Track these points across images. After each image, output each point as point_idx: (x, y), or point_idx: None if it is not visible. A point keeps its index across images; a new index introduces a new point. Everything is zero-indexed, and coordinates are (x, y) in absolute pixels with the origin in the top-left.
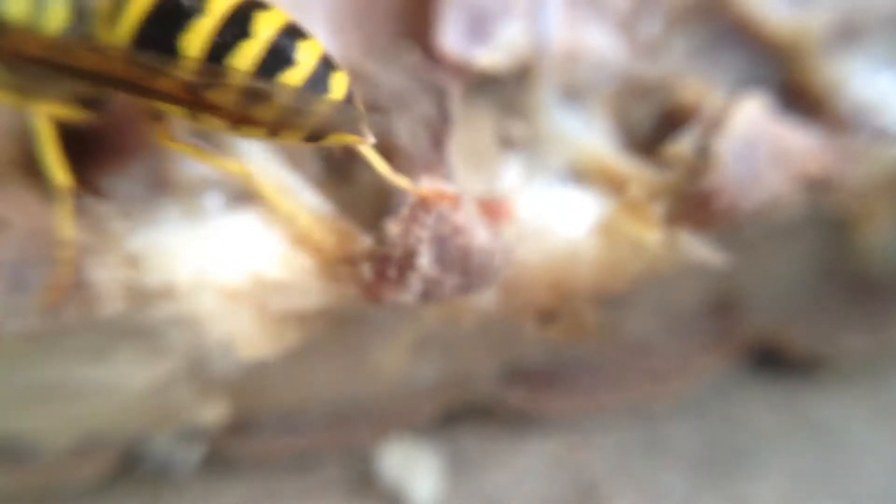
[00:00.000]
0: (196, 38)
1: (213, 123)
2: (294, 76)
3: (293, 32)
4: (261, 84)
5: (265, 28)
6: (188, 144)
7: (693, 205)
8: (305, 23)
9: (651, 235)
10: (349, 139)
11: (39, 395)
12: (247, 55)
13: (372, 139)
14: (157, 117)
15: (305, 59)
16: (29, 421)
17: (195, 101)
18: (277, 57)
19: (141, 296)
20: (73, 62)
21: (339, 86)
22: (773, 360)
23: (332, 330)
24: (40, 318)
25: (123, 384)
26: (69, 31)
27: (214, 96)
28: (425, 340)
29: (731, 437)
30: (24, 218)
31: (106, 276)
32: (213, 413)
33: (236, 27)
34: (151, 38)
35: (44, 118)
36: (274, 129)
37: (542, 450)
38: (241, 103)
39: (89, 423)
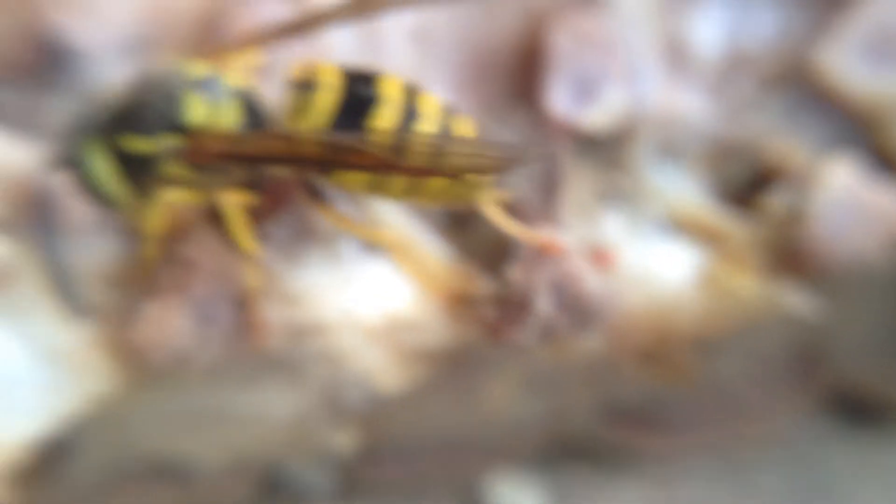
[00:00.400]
0: (382, 122)
1: (355, 186)
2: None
3: (450, 111)
4: (440, 139)
5: (429, 108)
6: (335, 211)
7: (785, 258)
8: (428, 83)
9: (747, 285)
10: (477, 198)
11: (198, 420)
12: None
13: (498, 195)
14: (312, 191)
15: (466, 132)
16: (188, 443)
17: (385, 167)
18: (444, 132)
19: (295, 332)
20: (254, 151)
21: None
22: (859, 409)
23: (451, 366)
24: (223, 351)
25: (269, 412)
26: (241, 129)
27: (403, 160)
28: (533, 378)
29: (817, 483)
30: (210, 260)
31: (272, 314)
32: (345, 441)
33: (409, 109)
34: (340, 126)
35: (232, 203)
36: (429, 174)
37: (637, 487)
38: (425, 160)
39: (238, 446)
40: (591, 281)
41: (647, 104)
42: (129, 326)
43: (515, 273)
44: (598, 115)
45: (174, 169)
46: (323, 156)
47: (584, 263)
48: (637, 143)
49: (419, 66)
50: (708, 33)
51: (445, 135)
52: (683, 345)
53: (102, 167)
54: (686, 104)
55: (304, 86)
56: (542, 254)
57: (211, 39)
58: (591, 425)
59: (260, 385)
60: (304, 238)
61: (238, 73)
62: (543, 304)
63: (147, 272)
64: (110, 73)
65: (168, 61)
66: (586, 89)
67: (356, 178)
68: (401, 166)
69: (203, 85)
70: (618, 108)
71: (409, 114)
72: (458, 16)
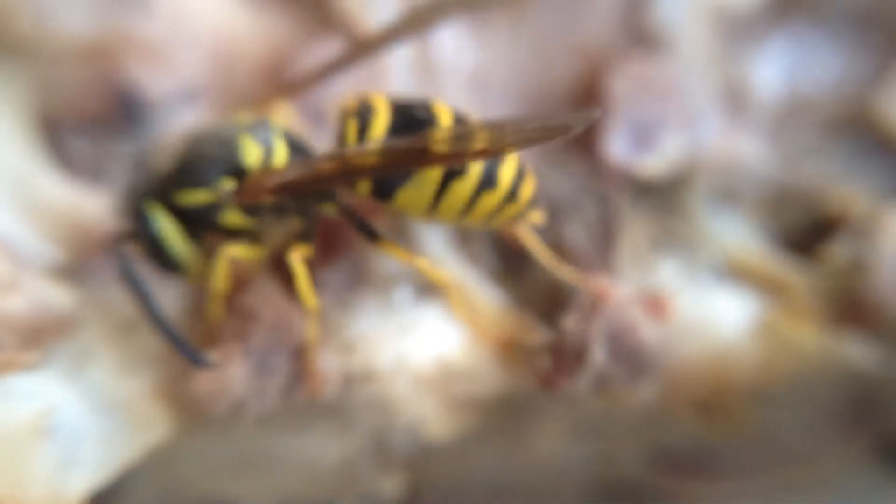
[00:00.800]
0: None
1: (413, 209)
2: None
3: None
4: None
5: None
6: (391, 245)
7: (846, 309)
8: None
9: (806, 336)
10: (526, 218)
11: (248, 464)
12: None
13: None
14: (366, 230)
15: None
16: (237, 486)
17: (449, 158)
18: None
19: (348, 379)
20: (310, 176)
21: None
22: None
23: (500, 413)
24: (279, 401)
25: (317, 457)
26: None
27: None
28: (581, 424)
29: None
30: (270, 310)
31: (329, 362)
32: (392, 486)
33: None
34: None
35: (298, 260)
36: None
37: None
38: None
39: (286, 491)
40: (647, 330)
41: (705, 149)
42: (188, 377)
43: (571, 323)
44: (656, 161)
45: (232, 217)
46: (383, 162)
47: (640, 312)
48: (694, 189)
49: (476, 112)
50: (768, 77)
51: (500, 120)
52: (739, 396)
53: (168, 230)
54: (745, 149)
55: (359, 114)
56: (599, 303)
57: (273, 84)
58: (638, 471)
59: (309, 430)
60: (359, 284)
61: (281, 116)
62: (599, 355)
63: (212, 328)
64: (178, 121)
65: (216, 115)
66: (644, 136)
67: (415, 200)
68: (466, 152)
69: (253, 128)
70: (676, 154)
71: (461, 134)
72: (515, 60)
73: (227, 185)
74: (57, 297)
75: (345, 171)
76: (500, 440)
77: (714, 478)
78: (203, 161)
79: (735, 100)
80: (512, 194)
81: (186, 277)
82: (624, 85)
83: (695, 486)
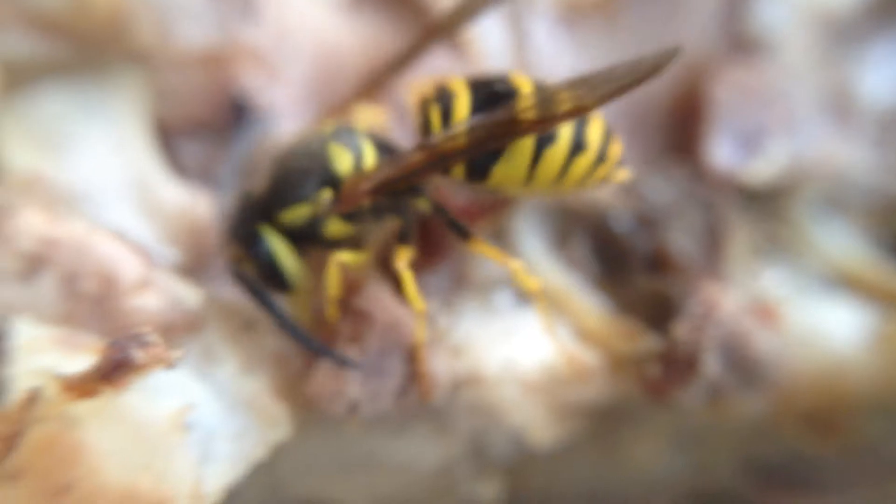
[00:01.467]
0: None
1: (510, 184)
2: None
3: None
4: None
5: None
6: (484, 244)
7: None
8: None
9: None
10: (615, 178)
11: (348, 466)
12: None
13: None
14: (459, 230)
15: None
16: (337, 488)
17: (540, 124)
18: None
19: (456, 383)
20: (403, 171)
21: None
22: None
23: (601, 421)
24: (391, 402)
25: (416, 460)
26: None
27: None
28: (680, 433)
29: None
30: (382, 313)
31: (438, 366)
32: (489, 491)
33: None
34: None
35: (404, 265)
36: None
37: None
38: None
39: (385, 493)
40: (760, 340)
41: (809, 157)
42: (307, 377)
43: (682, 330)
44: (760, 168)
45: (335, 226)
46: (473, 142)
47: (752, 321)
48: (800, 197)
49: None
50: (873, 82)
51: (584, 75)
52: (852, 410)
53: (281, 251)
54: (850, 156)
55: (438, 99)
56: (712, 312)
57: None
58: (736, 483)
59: (410, 433)
60: (460, 288)
61: (362, 117)
62: (711, 364)
63: (330, 332)
64: (286, 127)
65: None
66: (748, 142)
67: (511, 175)
68: (555, 115)
69: (339, 134)
70: (781, 161)
71: (545, 99)
72: (611, 63)
73: (326, 195)
74: (185, 294)
75: (436, 159)
76: (598, 447)
77: (815, 492)
78: (298, 176)
79: (840, 106)
80: (602, 155)
81: (296, 294)
82: (725, 92)
83: (791, 500)
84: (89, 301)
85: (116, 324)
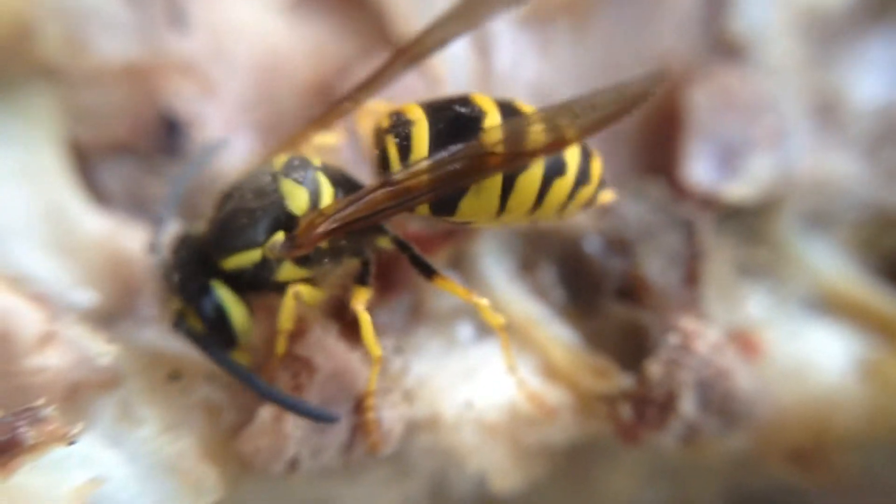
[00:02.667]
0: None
1: (482, 216)
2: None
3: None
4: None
5: (529, 108)
6: (448, 280)
7: None
8: None
9: None
10: (598, 200)
11: None
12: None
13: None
14: (422, 266)
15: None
16: None
17: (512, 159)
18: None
19: (411, 429)
20: (365, 211)
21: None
22: None
23: (570, 460)
24: (336, 457)
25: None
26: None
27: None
28: (656, 469)
29: None
30: (327, 361)
31: (391, 414)
32: None
33: (510, 111)
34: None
35: (362, 306)
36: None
37: None
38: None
39: None
40: (740, 376)
41: (795, 169)
42: (238, 433)
43: (656, 368)
44: (742, 186)
45: (287, 271)
46: (437, 181)
47: (732, 356)
48: (784, 213)
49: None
50: (864, 87)
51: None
52: (840, 445)
53: (232, 306)
54: (839, 168)
55: (395, 129)
56: (688, 347)
57: (319, 103)
58: None
59: (365, 478)
60: (418, 323)
61: (313, 151)
62: (689, 405)
63: (272, 370)
64: (223, 145)
65: (247, 160)
66: (729, 157)
67: (481, 208)
68: (530, 151)
69: (292, 169)
70: (765, 177)
71: (512, 114)
72: (580, 71)
73: (278, 238)
74: (96, 348)
75: (399, 198)
76: (567, 486)
77: None
78: (247, 219)
79: (828, 113)
80: (583, 175)
81: (241, 347)
82: (706, 100)
83: None
84: None
85: (12, 387)
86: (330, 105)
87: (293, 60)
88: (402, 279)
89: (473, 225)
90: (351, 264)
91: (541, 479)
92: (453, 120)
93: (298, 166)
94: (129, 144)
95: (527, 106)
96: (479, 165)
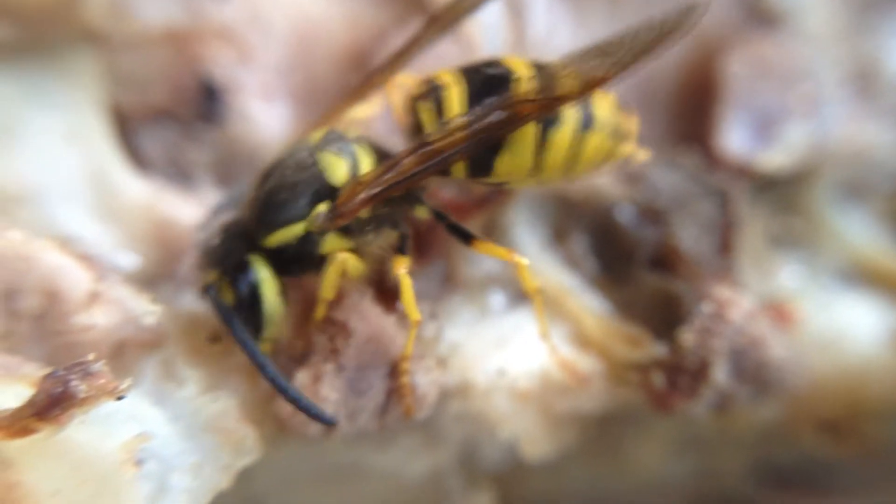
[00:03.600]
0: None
1: (517, 175)
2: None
3: None
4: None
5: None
6: (486, 243)
7: None
8: None
9: None
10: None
11: (334, 477)
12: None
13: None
14: (458, 231)
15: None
16: (322, 499)
17: (545, 106)
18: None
19: (443, 396)
20: (404, 174)
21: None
22: None
23: (600, 428)
24: (372, 420)
25: (404, 470)
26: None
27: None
28: (685, 438)
29: None
30: (363, 325)
31: (425, 379)
32: (481, 501)
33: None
34: None
35: (404, 270)
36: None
37: None
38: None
39: (370, 502)
40: (774, 345)
41: (831, 139)
42: (279, 399)
43: (689, 337)
44: (777, 155)
45: (332, 243)
46: (471, 137)
47: (766, 325)
48: (819, 184)
49: None
50: None
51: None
52: (874, 415)
53: (269, 289)
54: (876, 138)
55: (429, 94)
56: (722, 316)
57: (355, 74)
58: (743, 487)
59: (396, 444)
60: (452, 291)
61: (350, 124)
62: (722, 373)
63: (307, 342)
64: (260, 110)
65: (286, 134)
66: (765, 126)
67: (517, 165)
68: (563, 96)
69: (329, 142)
70: (800, 146)
71: (547, 78)
72: None
73: (321, 210)
74: (141, 308)
75: (434, 159)
76: (597, 452)
77: (827, 495)
78: (289, 193)
79: (865, 82)
80: (615, 130)
81: (269, 334)
82: (741, 68)
83: (804, 502)
84: (30, 320)
85: (61, 345)
86: (364, 77)
87: (329, 27)
88: (436, 247)
89: (509, 185)
90: (390, 236)
91: (571, 448)
92: (486, 81)
93: (335, 139)
94: (169, 110)
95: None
96: (513, 115)
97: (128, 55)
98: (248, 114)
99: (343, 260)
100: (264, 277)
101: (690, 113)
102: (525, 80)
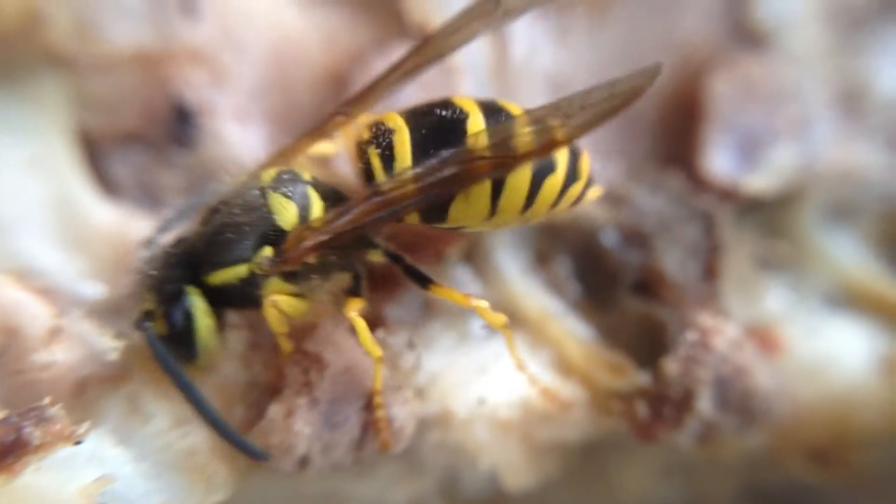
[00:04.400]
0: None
1: (473, 220)
2: None
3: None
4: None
5: (513, 108)
6: (444, 287)
7: None
8: None
9: None
10: (587, 197)
11: None
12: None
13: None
14: (415, 274)
15: None
16: None
17: (496, 164)
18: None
19: (422, 425)
20: (354, 223)
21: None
22: None
23: (582, 456)
24: (347, 454)
25: (383, 499)
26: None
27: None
28: (671, 465)
29: None
30: (337, 357)
31: (403, 411)
32: None
33: (495, 112)
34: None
35: (355, 313)
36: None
37: None
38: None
39: None
40: (759, 374)
41: (818, 160)
42: (250, 432)
43: (673, 365)
44: (763, 177)
45: (274, 286)
46: (426, 189)
47: (751, 352)
48: (806, 205)
49: None
50: (890, 77)
51: (552, 102)
52: (862, 443)
53: (202, 323)
54: (864, 159)
55: (379, 138)
56: (706, 344)
57: (340, 91)
58: None
59: (376, 473)
60: (430, 317)
61: (304, 163)
62: (706, 403)
63: (280, 375)
64: (234, 133)
65: (235, 174)
66: (751, 148)
67: (472, 212)
68: (518, 154)
69: (281, 182)
70: (787, 167)
71: (497, 115)
72: (598, 59)
73: (266, 254)
74: (103, 343)
75: (388, 208)
76: (581, 481)
77: None
78: (237, 233)
79: (853, 101)
80: (573, 173)
81: (198, 368)
82: (727, 89)
83: None
84: None
85: (20, 383)
86: (335, 109)
87: (306, 48)
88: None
89: (465, 229)
90: (342, 279)
91: (554, 477)
92: (435, 124)
93: (288, 180)
94: (140, 134)
95: (511, 104)
96: (467, 172)
97: (95, 78)
98: (221, 136)
99: (275, 302)
100: (199, 307)
101: (675, 134)
102: (481, 135)
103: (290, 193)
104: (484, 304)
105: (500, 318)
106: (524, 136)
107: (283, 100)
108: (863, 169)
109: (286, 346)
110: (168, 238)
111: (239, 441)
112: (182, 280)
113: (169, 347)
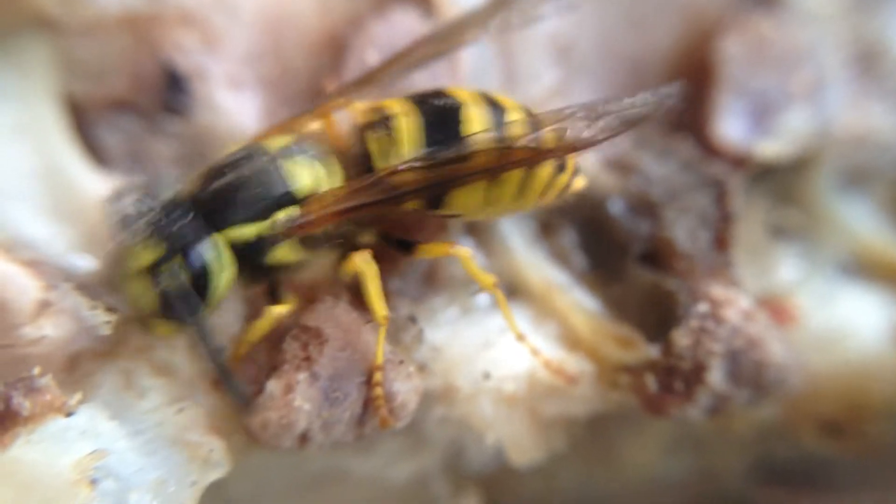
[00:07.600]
0: (474, 124)
1: (468, 207)
2: None
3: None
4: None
5: (509, 102)
6: (428, 245)
7: None
8: None
9: None
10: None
11: (313, 483)
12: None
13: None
14: (408, 247)
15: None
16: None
17: (531, 155)
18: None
19: (426, 400)
20: (367, 199)
21: None
22: None
23: (590, 430)
24: (348, 431)
25: (386, 475)
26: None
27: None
28: (680, 438)
29: None
30: (338, 331)
31: (405, 387)
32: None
33: (493, 105)
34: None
35: (365, 261)
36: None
37: None
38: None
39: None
40: (772, 346)
41: (832, 124)
42: (250, 410)
43: (683, 338)
44: (776, 142)
45: (284, 252)
46: (428, 180)
47: (764, 324)
48: (819, 171)
49: (560, 88)
50: None
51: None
52: (877, 413)
53: (224, 270)
54: (879, 121)
55: (380, 123)
56: (718, 316)
57: (337, 57)
58: (742, 486)
59: (379, 448)
60: (434, 290)
61: (313, 136)
62: (718, 375)
63: (278, 352)
64: (227, 99)
65: (243, 142)
66: (763, 112)
67: (468, 201)
68: (550, 150)
69: (295, 151)
70: (800, 132)
71: (495, 109)
72: (606, 24)
73: (286, 213)
74: (95, 317)
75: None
76: (588, 455)
77: (826, 493)
78: (252, 192)
79: (869, 62)
80: (560, 164)
81: (203, 314)
82: (738, 50)
83: (803, 500)
84: None
85: (8, 359)
86: (334, 91)
87: (301, 11)
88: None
89: (461, 216)
90: (332, 254)
91: (560, 452)
92: (436, 113)
93: (299, 150)
94: (129, 101)
95: (501, 96)
96: (504, 158)
97: (83, 42)
98: (214, 103)
99: (277, 314)
100: (224, 258)
101: (685, 99)
102: (518, 125)
103: (307, 161)
104: (468, 251)
105: (489, 278)
106: (554, 132)
107: (277, 66)
108: (878, 132)
109: (244, 351)
110: (153, 197)
111: (231, 382)
112: (205, 227)
113: (178, 296)
